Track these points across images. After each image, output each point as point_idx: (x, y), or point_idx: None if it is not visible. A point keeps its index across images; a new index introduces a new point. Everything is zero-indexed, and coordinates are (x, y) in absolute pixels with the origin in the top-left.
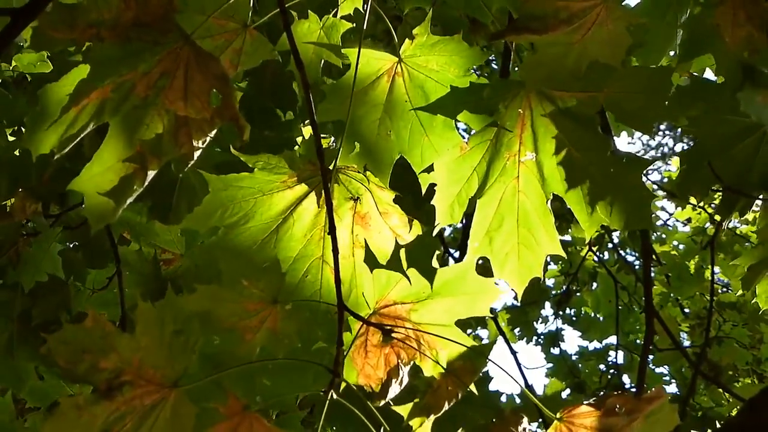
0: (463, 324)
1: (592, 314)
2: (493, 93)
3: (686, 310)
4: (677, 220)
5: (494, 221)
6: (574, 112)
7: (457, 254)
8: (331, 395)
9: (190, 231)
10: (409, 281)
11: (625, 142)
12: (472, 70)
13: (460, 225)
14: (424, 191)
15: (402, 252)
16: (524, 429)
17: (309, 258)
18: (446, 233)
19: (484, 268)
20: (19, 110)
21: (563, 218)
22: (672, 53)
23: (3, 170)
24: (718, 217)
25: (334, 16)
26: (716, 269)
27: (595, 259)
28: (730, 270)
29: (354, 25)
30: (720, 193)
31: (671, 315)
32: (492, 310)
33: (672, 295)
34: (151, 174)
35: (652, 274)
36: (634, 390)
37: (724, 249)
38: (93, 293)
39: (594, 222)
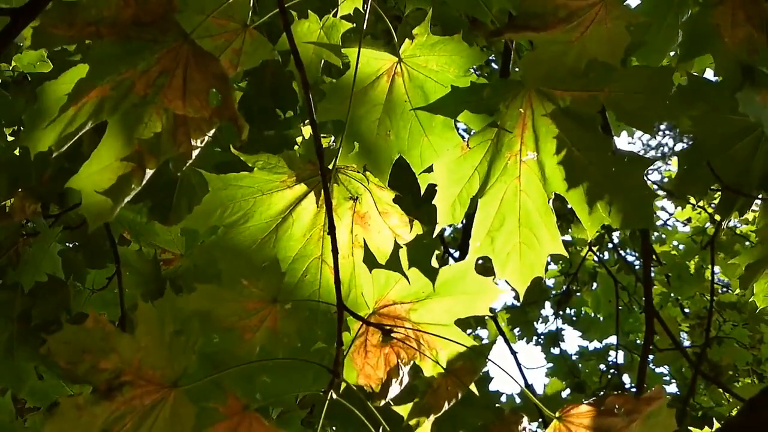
0: (463, 324)
1: (592, 314)
2: (494, 93)
3: (686, 310)
4: (677, 220)
5: (496, 221)
6: (575, 111)
7: (457, 254)
8: (331, 395)
9: (190, 231)
10: (408, 281)
11: (626, 142)
12: (472, 70)
13: (460, 225)
14: (423, 191)
15: (402, 252)
16: (524, 429)
17: (308, 257)
18: (446, 233)
19: (484, 268)
20: (18, 110)
21: (563, 218)
22: (672, 53)
23: (2, 170)
24: (717, 217)
25: (334, 15)
26: (716, 269)
27: (595, 259)
28: (730, 270)
29: (354, 24)
30: (719, 193)
31: (671, 315)
32: (492, 310)
33: (672, 295)
34: (149, 173)
35: (652, 274)
36: (634, 390)
37: (724, 249)
38: (93, 293)
39: (595, 221)
